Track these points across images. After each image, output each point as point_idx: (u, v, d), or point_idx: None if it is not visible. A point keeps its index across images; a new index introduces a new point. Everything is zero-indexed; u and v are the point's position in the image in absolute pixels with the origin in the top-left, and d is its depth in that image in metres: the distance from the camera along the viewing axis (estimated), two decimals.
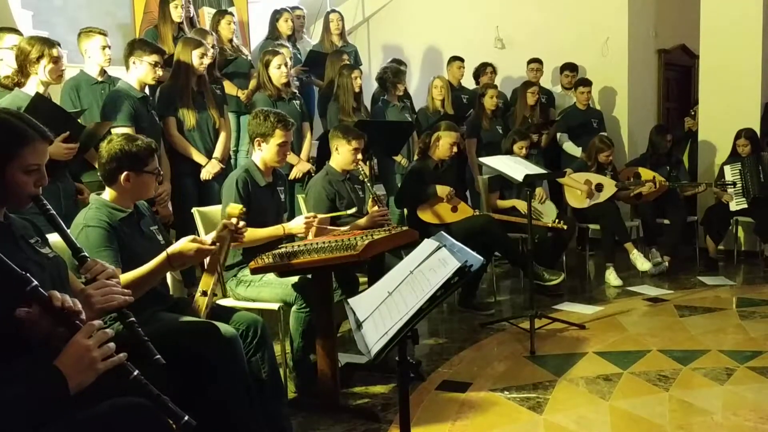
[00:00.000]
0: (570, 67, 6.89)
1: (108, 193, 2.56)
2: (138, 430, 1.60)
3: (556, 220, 5.00)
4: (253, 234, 3.21)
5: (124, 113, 3.76)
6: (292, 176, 4.81)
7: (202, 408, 2.16)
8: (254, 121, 3.38)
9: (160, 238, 2.68)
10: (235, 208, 2.67)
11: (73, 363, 1.48)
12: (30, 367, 1.50)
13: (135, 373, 1.55)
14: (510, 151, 5.34)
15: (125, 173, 2.50)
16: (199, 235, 3.15)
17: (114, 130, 3.70)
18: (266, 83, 4.78)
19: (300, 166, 4.82)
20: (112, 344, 1.54)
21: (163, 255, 2.36)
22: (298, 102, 4.97)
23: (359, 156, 3.93)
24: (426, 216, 4.71)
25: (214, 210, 3.50)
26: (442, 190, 4.67)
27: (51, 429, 1.51)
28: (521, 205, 5.15)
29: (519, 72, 7.09)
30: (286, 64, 4.81)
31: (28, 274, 1.51)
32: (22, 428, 1.45)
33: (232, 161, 5.05)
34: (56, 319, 1.53)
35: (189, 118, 4.21)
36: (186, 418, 1.55)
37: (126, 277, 2.32)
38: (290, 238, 3.40)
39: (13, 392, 1.44)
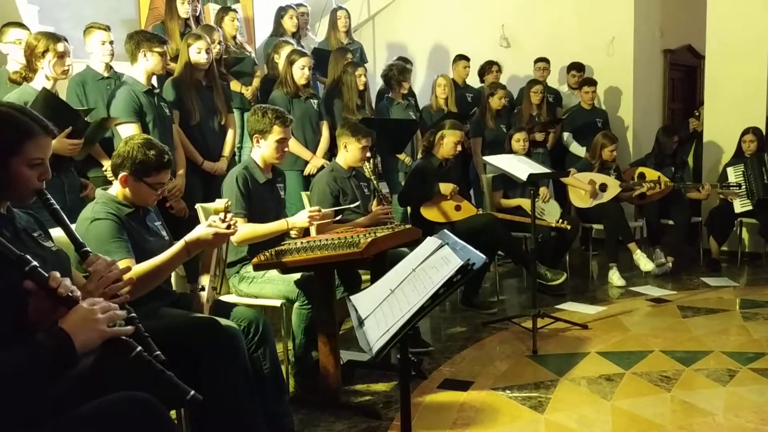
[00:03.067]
0: (577, 67, 6.88)
1: (114, 189, 2.57)
2: (140, 425, 1.60)
3: (560, 220, 5.00)
4: (256, 230, 3.22)
5: (128, 109, 3.76)
6: (306, 172, 4.83)
7: (203, 403, 2.17)
8: (252, 118, 3.38)
9: (164, 233, 2.69)
10: (220, 202, 2.67)
11: (77, 322, 1.48)
12: (33, 335, 1.49)
13: (138, 349, 1.53)
14: (511, 149, 5.34)
15: (123, 174, 2.51)
16: None
17: (120, 126, 3.72)
18: (287, 80, 4.80)
19: (315, 162, 4.83)
20: (118, 312, 1.54)
21: (181, 243, 2.38)
22: (315, 101, 4.99)
23: (368, 154, 3.94)
24: (429, 214, 4.71)
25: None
26: (445, 187, 4.67)
27: (53, 424, 1.52)
28: (526, 204, 5.14)
29: (524, 71, 7.09)
30: (309, 68, 4.84)
31: (27, 256, 1.51)
32: (30, 390, 1.45)
33: (237, 158, 5.06)
34: (56, 299, 1.52)
35: (194, 113, 4.22)
36: (192, 393, 1.54)
37: (143, 267, 2.33)
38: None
39: (14, 354, 1.43)
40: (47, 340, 1.45)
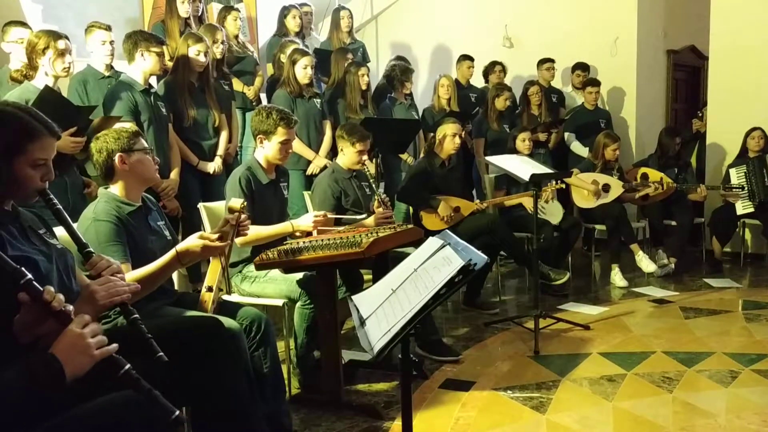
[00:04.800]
0: (582, 67, 6.87)
1: (115, 188, 2.58)
2: (135, 426, 1.60)
3: (556, 183, 5.03)
4: (260, 232, 3.21)
5: (124, 107, 3.78)
6: (309, 172, 4.84)
7: (204, 401, 2.18)
8: (256, 118, 3.37)
9: (167, 233, 2.70)
10: (236, 202, 2.67)
11: (68, 349, 1.48)
12: (24, 358, 1.48)
13: (126, 367, 1.53)
14: (514, 148, 5.34)
15: (118, 156, 2.53)
16: (204, 230, 3.17)
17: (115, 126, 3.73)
18: (290, 80, 4.81)
19: (317, 162, 4.84)
20: (104, 337, 1.54)
21: (172, 252, 2.38)
22: (318, 101, 5.00)
23: (365, 157, 3.93)
24: (429, 223, 4.66)
25: (219, 205, 3.51)
26: (444, 208, 4.64)
27: (53, 423, 1.52)
28: (527, 202, 5.14)
29: (527, 71, 7.08)
30: (312, 67, 4.85)
31: (22, 268, 1.50)
32: (18, 416, 1.44)
33: (239, 157, 5.07)
34: (49, 313, 1.52)
35: (187, 114, 4.23)
36: (177, 412, 1.54)
37: (136, 274, 2.33)
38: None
39: (7, 378, 1.43)
40: (40, 368, 1.45)
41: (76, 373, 1.48)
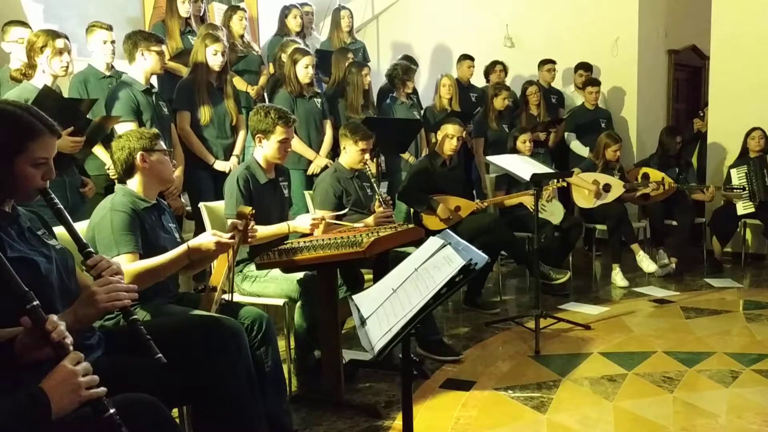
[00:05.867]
0: (585, 67, 6.86)
1: (133, 185, 2.62)
2: (143, 426, 1.60)
3: (557, 181, 5.07)
4: (259, 232, 3.21)
5: (126, 107, 3.79)
6: (310, 172, 4.84)
7: (205, 401, 2.18)
8: (255, 118, 3.37)
9: (177, 236, 2.74)
10: (246, 209, 2.69)
11: (59, 386, 1.46)
12: (13, 387, 1.47)
13: (111, 411, 1.51)
14: (514, 149, 5.34)
15: (140, 154, 2.58)
16: (206, 230, 3.17)
17: (117, 125, 3.73)
18: (291, 79, 4.81)
19: (318, 161, 4.84)
20: (95, 376, 1.52)
21: (183, 247, 2.42)
22: (319, 100, 5.00)
23: (367, 156, 3.94)
24: (430, 223, 4.66)
25: (220, 205, 3.50)
26: (442, 210, 4.65)
27: (55, 426, 1.52)
28: (527, 201, 5.13)
29: (528, 71, 7.07)
30: (313, 66, 4.84)
31: (31, 293, 1.49)
32: None
33: (241, 156, 5.07)
34: (47, 342, 1.50)
35: (204, 113, 4.24)
36: None
37: (144, 264, 2.37)
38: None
39: None
40: (27, 402, 1.43)
41: (63, 410, 1.46)
